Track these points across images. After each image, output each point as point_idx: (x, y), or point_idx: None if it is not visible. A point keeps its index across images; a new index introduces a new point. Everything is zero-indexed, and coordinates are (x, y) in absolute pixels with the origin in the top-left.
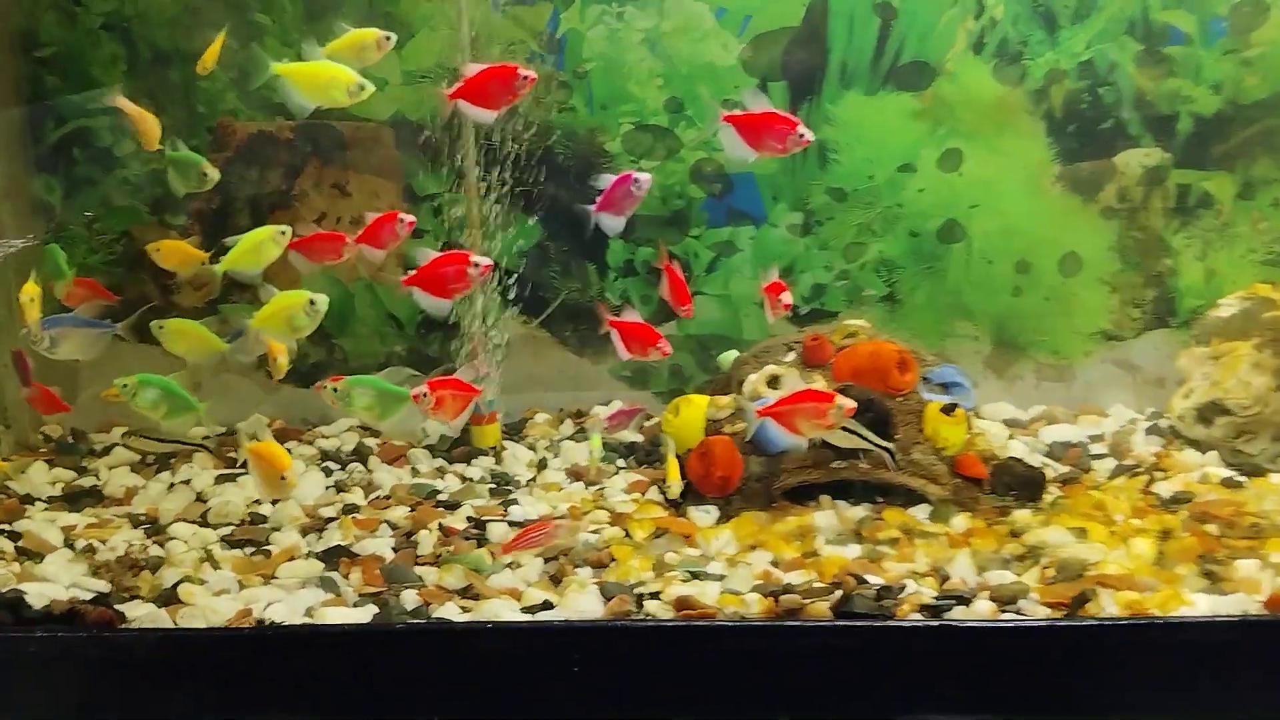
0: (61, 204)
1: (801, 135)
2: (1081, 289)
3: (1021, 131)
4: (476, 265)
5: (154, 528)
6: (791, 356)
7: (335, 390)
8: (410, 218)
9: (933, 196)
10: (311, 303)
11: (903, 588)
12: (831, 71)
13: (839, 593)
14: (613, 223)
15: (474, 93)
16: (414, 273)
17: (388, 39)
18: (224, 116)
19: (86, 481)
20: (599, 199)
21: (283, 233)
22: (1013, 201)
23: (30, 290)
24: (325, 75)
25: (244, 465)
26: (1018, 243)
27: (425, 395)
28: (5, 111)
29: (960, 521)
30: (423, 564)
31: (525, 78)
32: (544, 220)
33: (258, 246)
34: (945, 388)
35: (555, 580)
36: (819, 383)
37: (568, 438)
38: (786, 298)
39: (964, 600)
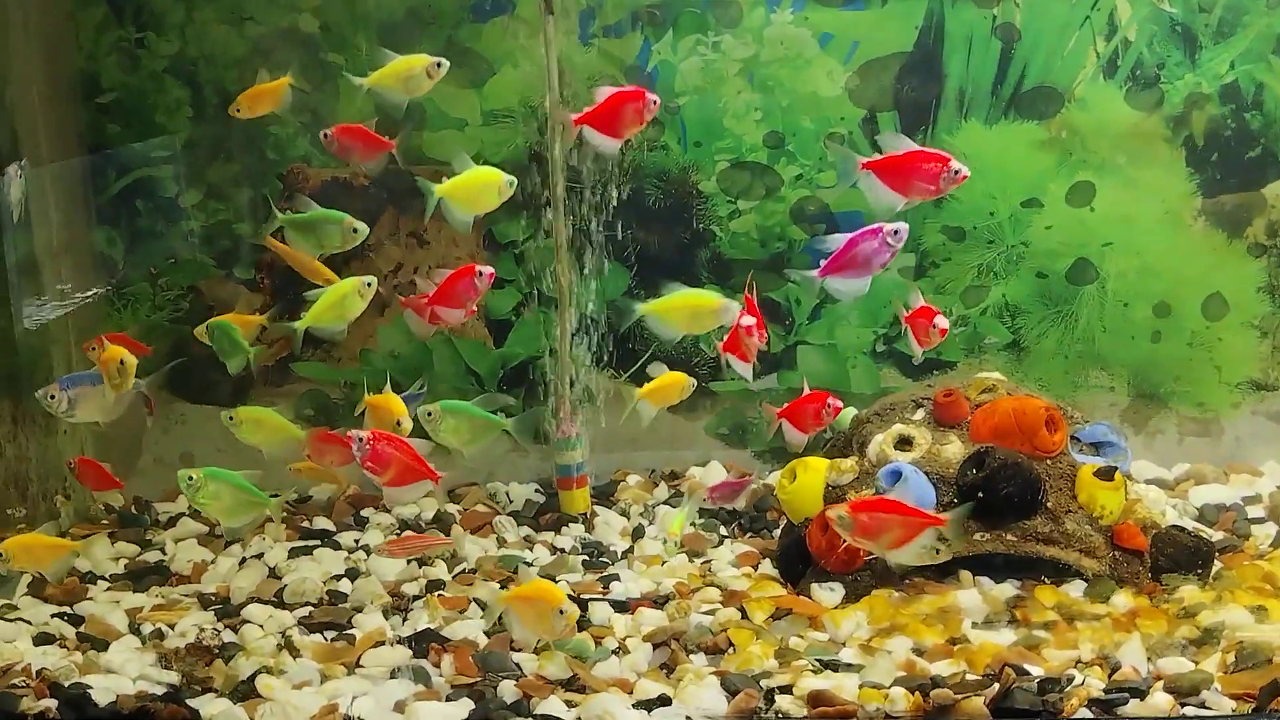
0: (124, 258)
1: (957, 172)
2: (1228, 334)
3: (1159, 161)
4: (481, 275)
5: (225, 608)
6: (921, 414)
7: (430, 415)
8: (489, 269)
9: (1061, 234)
10: (368, 284)
11: (1069, 679)
12: (948, 99)
13: (996, 686)
14: (856, 285)
15: (602, 119)
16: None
17: (438, 65)
18: (295, 163)
19: (151, 556)
20: (827, 262)
21: (369, 284)
22: (1150, 238)
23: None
24: (478, 183)
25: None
26: (1156, 284)
27: (361, 442)
28: (66, 161)
29: (1122, 600)
30: (519, 650)
31: (654, 103)
32: (634, 265)
33: (342, 300)
34: (1097, 448)
35: (668, 669)
36: (954, 444)
37: (663, 502)
38: (942, 322)
39: (1139, 693)
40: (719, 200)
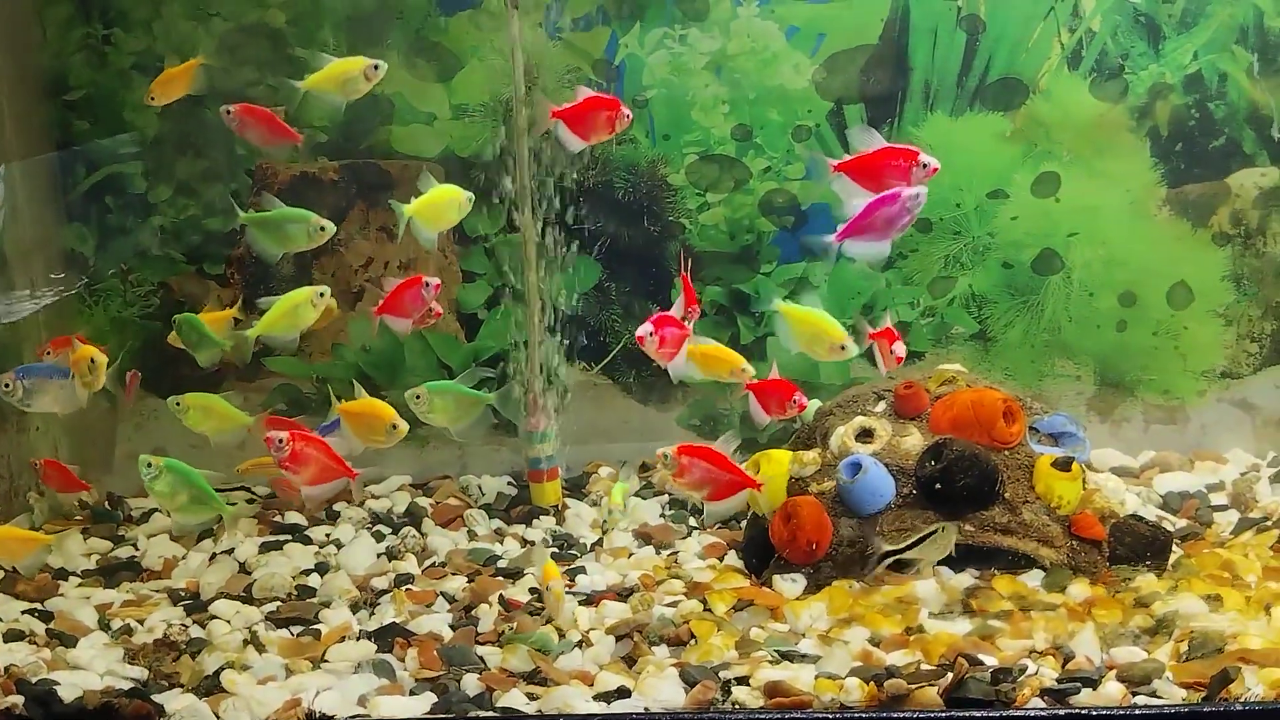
0: (94, 254)
1: (926, 165)
2: (1193, 322)
3: (1123, 152)
4: (428, 285)
5: (195, 604)
6: (882, 406)
7: (418, 398)
8: (435, 280)
9: (1027, 224)
10: (321, 294)
11: (1021, 669)
12: (914, 91)
13: (950, 676)
14: (876, 249)
15: (576, 118)
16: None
17: (375, 68)
18: (264, 158)
19: (124, 552)
20: (845, 226)
21: (321, 295)
22: (1115, 228)
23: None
24: (442, 201)
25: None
26: (1122, 273)
27: (280, 443)
28: (35, 159)
29: (1078, 589)
30: (484, 643)
31: (627, 116)
32: (604, 259)
33: (294, 310)
34: (1056, 439)
35: (630, 661)
36: (914, 435)
37: (634, 494)
38: (900, 349)
39: (1091, 682)
40: (688, 193)
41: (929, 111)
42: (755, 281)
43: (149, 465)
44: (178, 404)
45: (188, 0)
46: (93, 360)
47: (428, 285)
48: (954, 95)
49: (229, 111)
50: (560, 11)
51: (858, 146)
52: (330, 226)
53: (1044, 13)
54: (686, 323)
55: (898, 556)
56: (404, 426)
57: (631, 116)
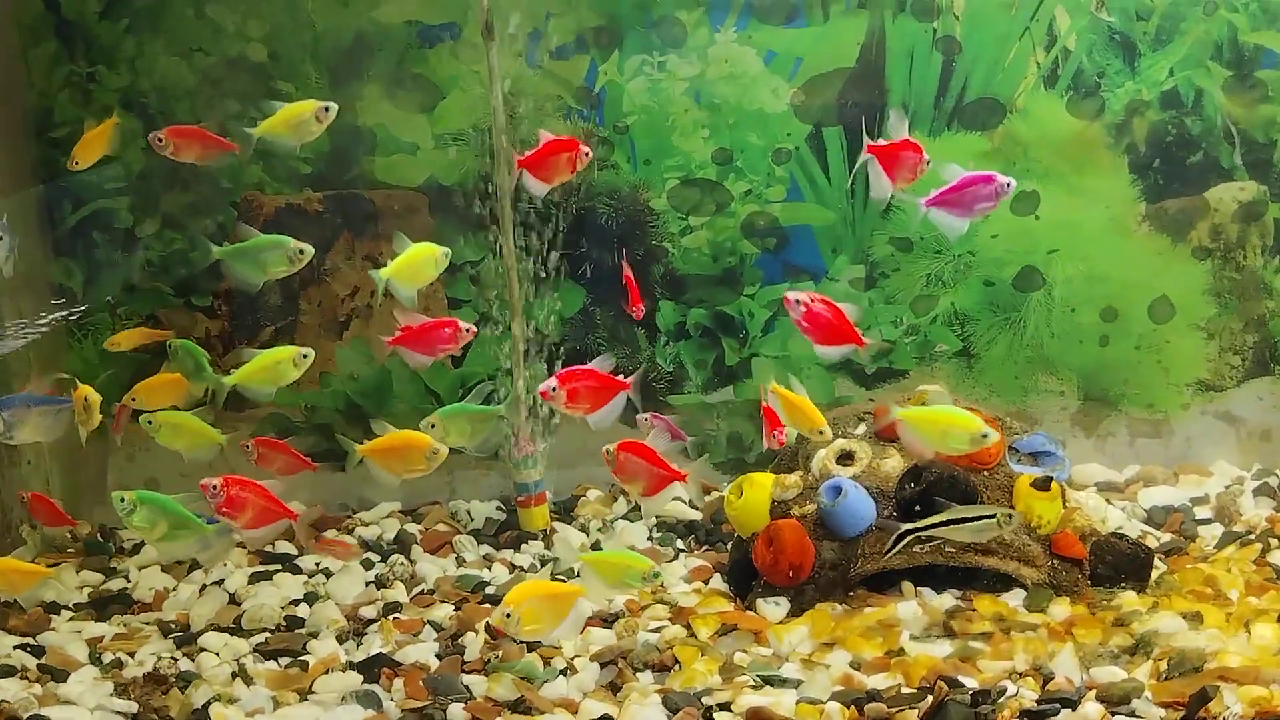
0: (82, 288)
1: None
2: (1175, 336)
3: (1102, 169)
4: (465, 330)
5: (185, 636)
6: (862, 428)
7: (433, 426)
8: (470, 326)
9: (1007, 242)
10: (304, 355)
11: (1001, 691)
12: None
13: (929, 699)
14: (956, 225)
15: (538, 164)
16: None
17: (326, 110)
18: (249, 190)
19: (116, 584)
20: (937, 192)
21: (305, 356)
22: (1095, 244)
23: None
24: (418, 260)
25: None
26: (1103, 289)
27: (215, 489)
28: (21, 195)
29: (1059, 609)
30: (470, 671)
31: (585, 154)
32: (588, 284)
33: (275, 367)
34: (1035, 458)
35: (614, 688)
36: (894, 457)
37: (621, 517)
38: (781, 436)
39: (1070, 703)
40: (670, 217)
41: (907, 132)
42: (739, 303)
43: (122, 500)
44: (149, 422)
45: (170, 37)
46: (86, 399)
47: (465, 331)
48: (931, 116)
49: (160, 140)
50: (539, 41)
51: (894, 136)
52: (309, 249)
53: (1019, 33)
54: (620, 375)
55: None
56: (444, 450)
57: (590, 154)
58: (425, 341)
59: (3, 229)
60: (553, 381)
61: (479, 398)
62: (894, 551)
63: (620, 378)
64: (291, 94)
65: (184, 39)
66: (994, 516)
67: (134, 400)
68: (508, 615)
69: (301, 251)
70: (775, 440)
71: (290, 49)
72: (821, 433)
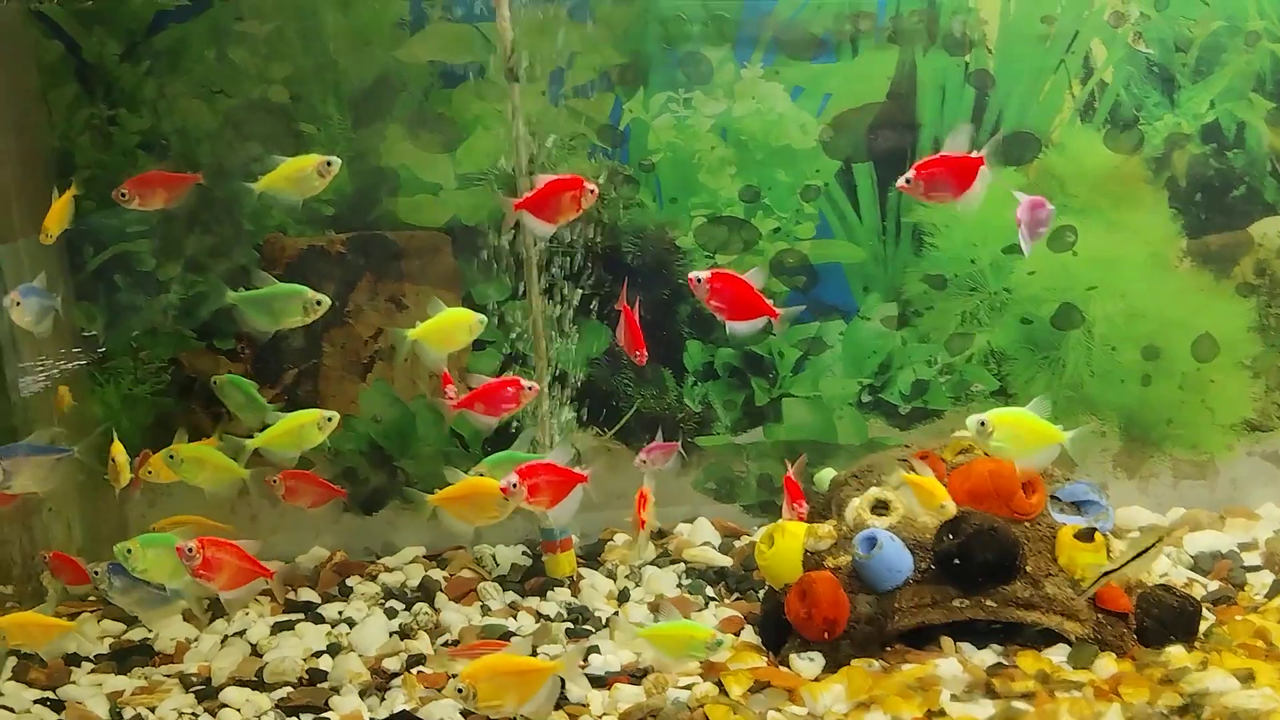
0: (104, 332)
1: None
2: (1219, 375)
3: (1141, 204)
4: (528, 389)
5: (206, 690)
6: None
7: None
8: (534, 384)
9: (1045, 279)
10: (329, 419)
11: None
12: (923, 148)
13: None
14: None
15: (538, 205)
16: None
17: (328, 164)
18: (272, 232)
19: (137, 634)
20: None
21: (329, 419)
22: (1136, 281)
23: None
24: (450, 325)
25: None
26: (1144, 326)
27: (190, 552)
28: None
29: (1105, 666)
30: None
31: (591, 191)
32: (613, 324)
33: (299, 430)
34: (1078, 507)
35: None
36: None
37: (650, 562)
38: (802, 509)
39: None
40: (697, 255)
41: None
42: (768, 343)
43: (129, 551)
44: (171, 457)
45: (191, 79)
46: (113, 458)
47: (528, 389)
48: (965, 151)
49: (123, 194)
50: (563, 79)
51: (950, 147)
52: (325, 300)
53: (1054, 66)
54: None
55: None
56: (522, 490)
57: (597, 191)
58: (490, 401)
59: (43, 290)
60: (513, 477)
61: (524, 445)
62: (1093, 588)
63: (577, 470)
64: (314, 135)
65: (205, 81)
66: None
67: (150, 475)
68: (460, 691)
69: (319, 303)
70: (796, 513)
71: (312, 90)
72: (944, 508)
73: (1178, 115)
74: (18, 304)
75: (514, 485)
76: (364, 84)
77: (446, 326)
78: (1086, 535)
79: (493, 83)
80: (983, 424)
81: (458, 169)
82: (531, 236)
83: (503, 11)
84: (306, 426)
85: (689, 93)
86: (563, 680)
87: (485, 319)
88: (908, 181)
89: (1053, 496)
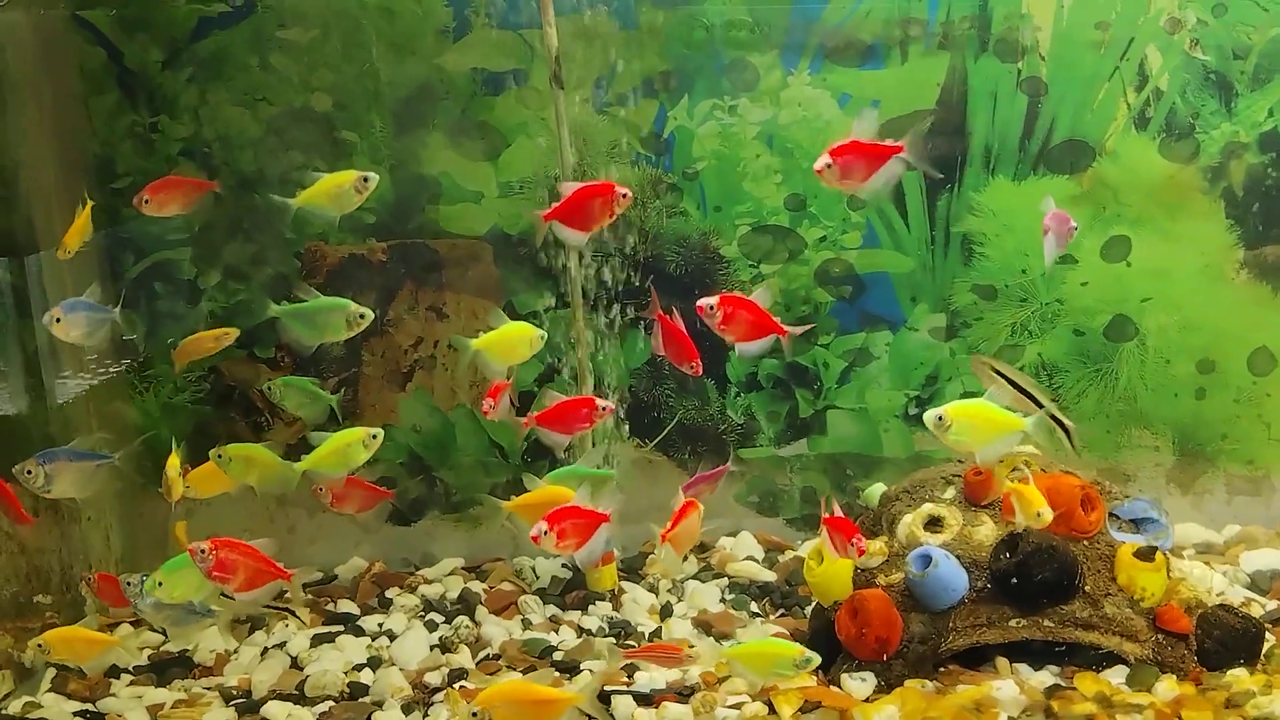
0: (144, 340)
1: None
2: (1276, 389)
3: (1197, 213)
4: (602, 410)
5: (247, 703)
6: (951, 493)
7: None
8: (609, 404)
9: (1098, 290)
10: (374, 436)
11: None
12: (974, 156)
13: None
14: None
15: (569, 214)
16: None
17: (365, 180)
18: (313, 241)
19: (175, 645)
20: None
21: (374, 436)
22: (1191, 292)
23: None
24: (512, 338)
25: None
26: (1199, 339)
27: (203, 553)
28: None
29: (1165, 688)
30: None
31: (623, 195)
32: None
33: (345, 449)
34: (1137, 525)
35: None
36: (987, 525)
37: (692, 576)
38: (861, 544)
39: None
40: (741, 264)
41: (990, 175)
42: (813, 353)
43: (159, 584)
44: (219, 456)
45: (233, 86)
46: (167, 475)
47: (602, 409)
48: (1016, 159)
49: (146, 201)
50: (607, 86)
51: (858, 133)
52: (369, 314)
53: (1109, 73)
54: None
55: None
56: (551, 537)
57: (630, 195)
58: (563, 420)
59: (94, 304)
60: (543, 525)
61: (591, 461)
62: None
63: (599, 510)
64: (356, 143)
65: (248, 89)
66: None
67: (188, 488)
68: (474, 715)
69: (362, 316)
70: (856, 551)
71: (355, 98)
72: (1040, 515)
73: (1235, 124)
74: (58, 320)
75: (544, 533)
76: (406, 91)
77: (509, 339)
78: (1147, 554)
79: (535, 90)
80: (940, 419)
81: (499, 177)
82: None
83: (548, 18)
84: (352, 445)
85: (734, 100)
86: (608, 697)
87: (545, 335)
88: (828, 167)
89: (1111, 514)
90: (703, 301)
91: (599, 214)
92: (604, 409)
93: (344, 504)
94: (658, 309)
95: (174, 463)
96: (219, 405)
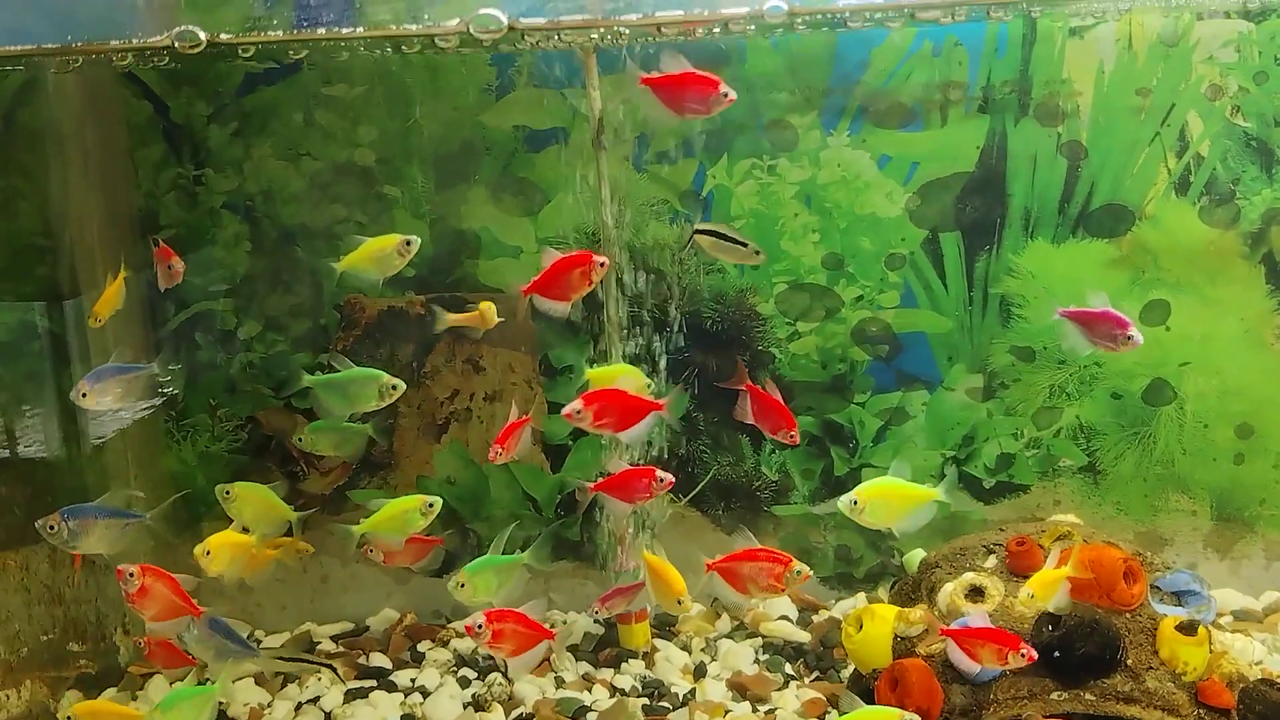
0: (183, 390)
1: (725, 94)
2: None
3: (1236, 279)
4: (661, 480)
5: None
6: (993, 561)
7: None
8: (669, 476)
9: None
10: (430, 505)
11: None
12: (1013, 218)
13: None
14: (1078, 343)
15: (548, 286)
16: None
17: (408, 244)
18: (353, 293)
19: (215, 676)
20: (1076, 310)
21: (430, 505)
22: (1230, 357)
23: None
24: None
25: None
26: (1238, 404)
27: (130, 576)
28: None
29: None
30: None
31: (600, 264)
32: (692, 389)
33: (403, 515)
34: (1179, 598)
35: None
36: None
37: (725, 635)
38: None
39: None
40: (778, 322)
41: (1029, 238)
42: (848, 411)
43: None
44: (226, 493)
45: (278, 140)
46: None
47: (660, 480)
48: (1055, 222)
49: (157, 242)
50: (647, 145)
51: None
52: (401, 385)
53: (1149, 138)
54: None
55: None
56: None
57: (606, 264)
58: (625, 490)
59: (122, 365)
60: (479, 618)
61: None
62: None
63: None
64: (397, 198)
65: (292, 143)
66: None
67: (207, 555)
68: None
69: (394, 387)
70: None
71: (397, 153)
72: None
73: (1276, 190)
74: (84, 395)
75: (479, 627)
76: (449, 147)
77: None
78: (1189, 629)
79: (575, 148)
80: (854, 503)
81: (539, 232)
82: (613, 301)
83: (592, 81)
84: (410, 513)
85: (773, 160)
86: None
87: (653, 383)
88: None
89: (1153, 586)
90: (567, 409)
91: (578, 284)
92: (663, 480)
93: (397, 559)
94: (746, 379)
95: (201, 549)
96: (256, 455)
